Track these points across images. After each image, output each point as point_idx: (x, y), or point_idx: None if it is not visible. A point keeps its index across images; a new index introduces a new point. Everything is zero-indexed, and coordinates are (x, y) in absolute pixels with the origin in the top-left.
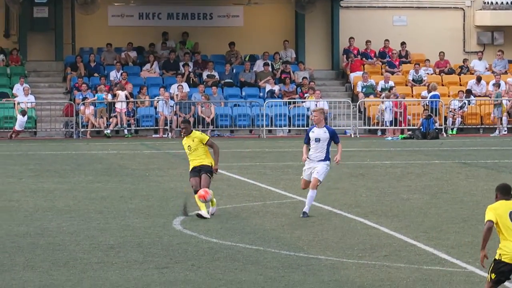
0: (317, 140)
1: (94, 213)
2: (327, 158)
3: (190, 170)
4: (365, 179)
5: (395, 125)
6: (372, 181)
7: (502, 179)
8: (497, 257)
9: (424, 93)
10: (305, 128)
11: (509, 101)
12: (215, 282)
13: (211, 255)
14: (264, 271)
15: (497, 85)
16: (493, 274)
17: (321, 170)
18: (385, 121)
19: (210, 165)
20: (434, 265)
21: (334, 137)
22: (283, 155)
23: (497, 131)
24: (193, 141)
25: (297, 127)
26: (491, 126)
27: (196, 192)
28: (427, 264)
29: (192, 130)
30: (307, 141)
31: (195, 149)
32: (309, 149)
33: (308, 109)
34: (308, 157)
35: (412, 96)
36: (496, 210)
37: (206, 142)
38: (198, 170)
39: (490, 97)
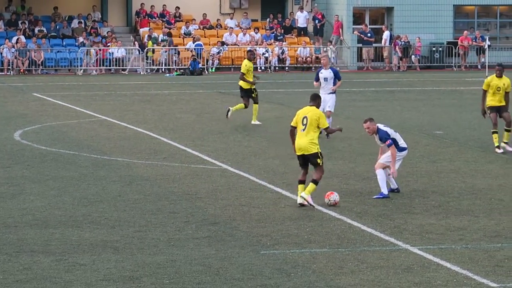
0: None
1: None
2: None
3: None
4: (150, 103)
5: (172, 65)
6: (155, 105)
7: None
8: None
9: (190, 43)
10: (109, 67)
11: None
12: (44, 177)
13: (41, 158)
14: (79, 169)
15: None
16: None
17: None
18: (164, 62)
19: None
20: (199, 164)
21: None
22: (92, 87)
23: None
24: None
25: (105, 67)
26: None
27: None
28: (193, 163)
29: None
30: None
31: None
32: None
33: (111, 54)
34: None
35: (183, 45)
36: (299, 115)
37: None
38: None
39: (239, 45)
